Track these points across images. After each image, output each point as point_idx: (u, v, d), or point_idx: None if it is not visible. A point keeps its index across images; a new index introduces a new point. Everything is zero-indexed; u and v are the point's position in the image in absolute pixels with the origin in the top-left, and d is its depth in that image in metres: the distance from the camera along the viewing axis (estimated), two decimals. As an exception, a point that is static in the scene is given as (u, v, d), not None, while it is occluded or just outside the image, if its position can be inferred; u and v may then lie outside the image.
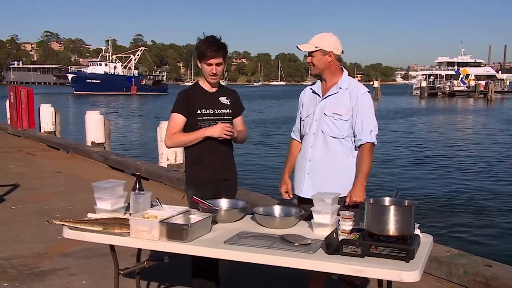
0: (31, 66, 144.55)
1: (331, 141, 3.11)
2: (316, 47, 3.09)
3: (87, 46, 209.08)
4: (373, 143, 3.10)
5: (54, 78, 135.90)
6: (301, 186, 3.19)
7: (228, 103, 3.38)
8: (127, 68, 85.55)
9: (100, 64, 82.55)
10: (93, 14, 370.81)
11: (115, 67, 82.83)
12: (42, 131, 15.44)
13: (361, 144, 3.09)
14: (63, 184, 8.28)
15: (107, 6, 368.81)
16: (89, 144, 12.55)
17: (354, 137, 3.12)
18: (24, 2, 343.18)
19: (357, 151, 3.14)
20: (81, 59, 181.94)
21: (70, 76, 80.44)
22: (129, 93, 78.45)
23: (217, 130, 3.21)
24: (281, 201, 4.16)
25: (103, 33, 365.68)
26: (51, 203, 6.87)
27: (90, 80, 77.76)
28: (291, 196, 3.32)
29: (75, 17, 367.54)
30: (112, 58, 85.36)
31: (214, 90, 3.36)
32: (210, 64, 3.23)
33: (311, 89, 3.30)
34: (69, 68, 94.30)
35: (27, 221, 5.92)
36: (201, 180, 3.28)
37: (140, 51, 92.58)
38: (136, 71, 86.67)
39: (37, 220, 5.86)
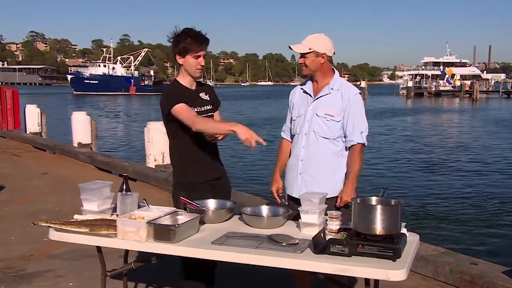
0: (16, 67, 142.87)
1: (323, 142, 3.12)
2: (310, 49, 3.08)
3: (73, 47, 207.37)
4: (363, 144, 3.13)
5: (40, 78, 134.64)
6: (294, 186, 3.20)
7: (208, 99, 3.30)
8: (129, 68, 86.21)
9: (99, 65, 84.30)
10: (79, 14, 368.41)
11: (113, 68, 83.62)
12: (27, 132, 15.29)
13: (352, 145, 3.11)
14: (49, 185, 8.21)
15: (93, 7, 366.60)
16: (75, 145, 12.45)
17: (345, 137, 3.14)
18: (9, 2, 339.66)
19: (347, 152, 3.16)
20: (67, 60, 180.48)
21: (69, 77, 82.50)
22: (128, 93, 79.01)
23: (246, 133, 2.87)
24: (271, 201, 4.16)
25: (89, 33, 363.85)
26: (37, 204, 6.81)
27: (88, 81, 79.29)
28: (281, 194, 3.32)
29: (61, 17, 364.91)
30: (117, 59, 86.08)
31: (194, 87, 3.26)
32: (198, 57, 3.13)
33: (301, 89, 3.30)
34: (69, 68, 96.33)
35: (12, 223, 5.86)
36: (195, 184, 3.18)
37: (144, 52, 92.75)
38: (136, 71, 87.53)
39: (22, 222, 5.80)
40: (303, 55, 3.11)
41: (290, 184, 3.25)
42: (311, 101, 3.20)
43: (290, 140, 3.37)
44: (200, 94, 3.28)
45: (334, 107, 3.12)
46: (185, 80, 3.24)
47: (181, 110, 3.09)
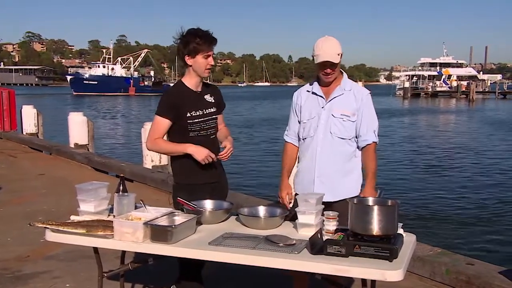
0: (13, 67, 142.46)
1: (339, 142, 3.11)
2: (338, 54, 3.05)
3: (69, 47, 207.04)
4: (376, 143, 3.16)
5: (36, 79, 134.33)
6: (311, 189, 3.13)
7: (213, 101, 3.28)
8: (129, 69, 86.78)
9: (99, 66, 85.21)
10: (75, 15, 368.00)
11: (112, 69, 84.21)
12: (24, 133, 15.25)
13: (367, 144, 3.12)
14: (46, 186, 8.19)
15: (90, 7, 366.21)
16: (72, 145, 12.42)
17: (357, 137, 3.14)
18: (5, 3, 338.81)
19: (359, 151, 3.17)
20: (63, 60, 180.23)
21: (69, 78, 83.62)
22: (127, 94, 79.39)
23: (202, 154, 3.09)
24: (273, 202, 4.15)
25: (86, 34, 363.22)
26: (34, 205, 6.79)
27: (88, 82, 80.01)
28: (291, 200, 3.26)
29: (58, 18, 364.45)
30: (117, 60, 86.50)
31: (199, 89, 3.24)
32: (208, 56, 3.13)
33: (308, 91, 3.25)
34: (68, 69, 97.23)
35: (9, 224, 5.85)
36: (195, 186, 3.17)
37: (144, 53, 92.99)
38: (136, 72, 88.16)
39: (19, 223, 5.78)
40: (333, 63, 3.03)
41: (306, 187, 3.17)
42: (323, 102, 3.16)
43: (295, 144, 3.32)
44: (205, 96, 3.26)
45: (348, 107, 3.12)
46: (191, 82, 3.21)
47: (156, 122, 3.17)
